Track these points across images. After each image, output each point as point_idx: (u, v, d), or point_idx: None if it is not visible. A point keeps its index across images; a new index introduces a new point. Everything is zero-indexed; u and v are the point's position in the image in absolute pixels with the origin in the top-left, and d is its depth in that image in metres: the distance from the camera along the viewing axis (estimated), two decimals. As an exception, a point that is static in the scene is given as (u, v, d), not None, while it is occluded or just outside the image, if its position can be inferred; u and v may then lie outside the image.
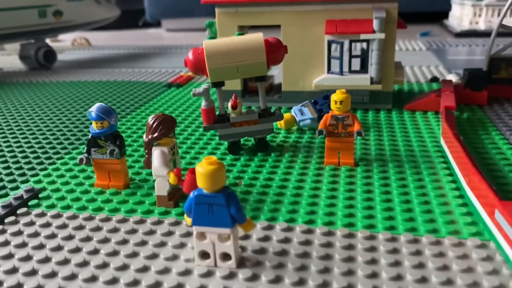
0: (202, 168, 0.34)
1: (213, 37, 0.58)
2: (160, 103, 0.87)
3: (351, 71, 0.75)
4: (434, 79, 0.93)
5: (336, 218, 0.44)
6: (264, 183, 0.52)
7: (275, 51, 0.57)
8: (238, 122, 0.59)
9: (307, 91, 0.78)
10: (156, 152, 0.46)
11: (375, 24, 0.70)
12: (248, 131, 0.59)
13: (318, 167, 0.55)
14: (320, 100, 0.69)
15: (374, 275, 0.36)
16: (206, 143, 0.65)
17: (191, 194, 0.36)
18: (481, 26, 1.53)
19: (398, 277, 0.35)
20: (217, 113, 0.60)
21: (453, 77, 0.91)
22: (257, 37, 0.55)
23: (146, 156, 0.47)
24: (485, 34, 1.50)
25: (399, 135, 0.65)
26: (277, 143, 0.64)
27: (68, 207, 0.48)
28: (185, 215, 0.38)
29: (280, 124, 0.68)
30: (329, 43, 0.73)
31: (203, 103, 0.58)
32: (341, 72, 0.74)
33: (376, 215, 0.44)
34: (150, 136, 0.46)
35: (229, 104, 0.58)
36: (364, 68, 0.75)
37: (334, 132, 0.54)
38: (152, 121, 0.46)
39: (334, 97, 0.53)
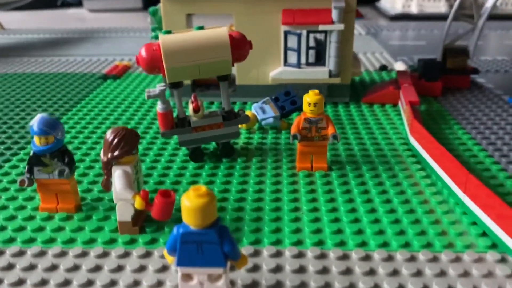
0: (190, 202, 0.29)
1: (168, 31, 0.51)
2: (98, 99, 0.78)
3: (308, 64, 0.71)
4: (383, 68, 0.92)
5: (324, 235, 0.40)
6: (237, 196, 0.47)
7: (240, 47, 0.51)
8: (200, 126, 0.53)
9: (264, 85, 0.73)
10: (117, 173, 0.39)
11: (334, 15, 0.66)
12: (212, 136, 0.54)
13: (291, 173, 0.51)
14: (281, 96, 0.65)
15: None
16: (162, 148, 0.58)
17: (175, 230, 0.31)
18: (414, 10, 1.57)
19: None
20: (174, 115, 0.53)
21: (401, 66, 0.92)
22: (221, 32, 0.49)
23: (105, 176, 0.40)
24: (417, 17, 1.54)
25: (363, 132, 0.62)
26: (240, 145, 0.59)
27: (10, 241, 0.40)
28: (164, 251, 0.33)
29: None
30: (286, 34, 0.69)
31: (159, 106, 0.52)
32: (298, 65, 0.70)
33: (365, 229, 0.41)
34: (109, 155, 0.39)
35: (190, 107, 0.52)
36: (320, 60, 0.72)
37: (308, 136, 0.51)
38: (112, 137, 0.39)
39: (307, 99, 0.49)
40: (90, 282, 0.35)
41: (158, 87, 0.52)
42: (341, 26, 0.67)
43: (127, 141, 0.39)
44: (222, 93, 0.53)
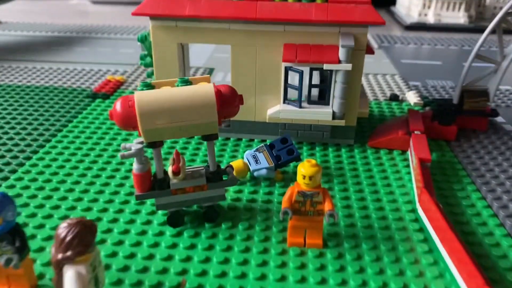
0: None
1: (147, 84, 0.45)
2: (82, 126, 0.72)
3: (310, 102, 0.65)
4: (394, 98, 0.85)
5: None
6: (216, 282, 0.41)
7: (229, 104, 0.45)
8: (181, 189, 0.47)
9: (260, 122, 0.67)
10: (69, 274, 0.33)
11: (341, 54, 0.59)
12: (194, 199, 0.48)
13: (281, 249, 0.45)
14: (277, 143, 0.58)
15: None
16: (135, 211, 0.52)
17: None
18: (430, 19, 1.48)
19: None
20: (153, 173, 0.48)
21: (413, 96, 0.84)
22: (207, 90, 0.43)
23: (56, 276, 0.34)
24: (434, 28, 1.46)
25: (366, 190, 0.56)
26: (226, 202, 0.53)
27: None
28: None
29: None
30: (286, 70, 0.62)
31: (136, 166, 0.46)
32: (299, 104, 0.64)
33: None
34: (61, 255, 0.33)
35: (170, 169, 0.46)
36: (324, 98, 0.65)
37: (301, 210, 0.45)
38: (64, 233, 0.33)
39: (302, 170, 0.43)
40: None
41: (134, 144, 0.46)
42: (348, 66, 0.60)
43: (82, 240, 0.33)
44: (208, 152, 0.47)
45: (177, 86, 0.45)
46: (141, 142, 0.46)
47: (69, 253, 0.33)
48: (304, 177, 0.43)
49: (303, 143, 0.67)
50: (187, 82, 0.45)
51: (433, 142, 0.69)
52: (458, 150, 0.67)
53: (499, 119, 0.78)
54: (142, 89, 0.44)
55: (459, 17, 1.46)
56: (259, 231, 0.48)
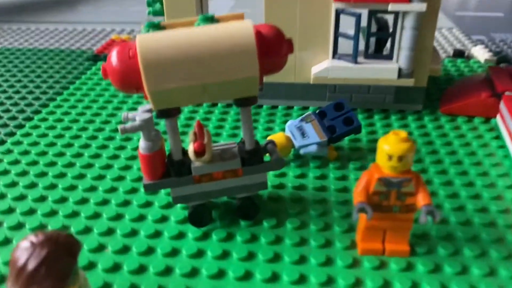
0: None
1: (154, 24, 0.31)
2: (81, 93, 0.59)
3: (368, 57, 0.50)
4: (459, 54, 0.69)
5: None
6: (262, 313, 0.28)
7: (273, 53, 0.31)
8: (206, 174, 0.34)
9: (302, 84, 0.52)
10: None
11: (415, -12, 0.44)
12: (224, 189, 0.35)
13: (351, 260, 0.32)
14: (330, 110, 0.44)
15: None
16: (145, 204, 0.39)
17: None
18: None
19: None
20: (167, 154, 0.34)
21: (482, 52, 0.69)
22: (244, 31, 0.29)
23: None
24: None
25: (451, 170, 0.42)
26: (268, 191, 0.39)
27: None
28: None
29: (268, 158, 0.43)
30: (338, 14, 0.48)
31: (142, 144, 0.32)
32: (353, 59, 0.49)
33: None
34: (18, 295, 0.20)
35: (191, 147, 0.33)
36: (381, 51, 0.51)
37: (382, 204, 0.31)
38: (24, 258, 0.20)
39: (385, 148, 0.29)
40: None
41: (139, 113, 0.32)
42: (422, 6, 0.45)
43: (53, 268, 0.20)
44: (244, 122, 0.33)
45: (197, 25, 0.31)
46: (149, 110, 0.33)
47: (31, 291, 0.20)
48: (390, 157, 0.29)
49: (357, 110, 0.53)
50: (213, 20, 0.31)
51: None
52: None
53: None
54: (148, 31, 0.30)
55: None
56: (315, 232, 0.35)
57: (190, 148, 0.32)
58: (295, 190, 0.40)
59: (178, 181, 0.33)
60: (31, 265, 0.20)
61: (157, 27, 0.31)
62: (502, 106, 0.48)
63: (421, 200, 0.30)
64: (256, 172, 0.34)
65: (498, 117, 0.49)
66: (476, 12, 0.96)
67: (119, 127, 0.31)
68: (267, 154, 0.36)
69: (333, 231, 0.35)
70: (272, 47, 0.31)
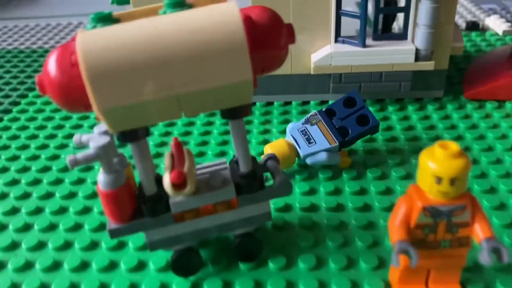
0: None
1: (103, 15, 0.22)
2: (40, 102, 0.50)
3: (378, 38, 0.42)
4: (473, 26, 0.61)
5: None
6: None
7: (269, 44, 0.23)
8: (190, 210, 0.26)
9: (300, 75, 0.44)
10: None
11: (434, -50, 0.36)
12: (216, 226, 0.27)
13: (384, 308, 0.25)
14: (338, 107, 0.36)
15: None
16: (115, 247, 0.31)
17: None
18: None
19: None
20: (138, 185, 0.26)
21: (498, 22, 0.61)
22: (227, 15, 0.20)
23: None
24: None
25: (492, 172, 0.34)
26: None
27: None
28: None
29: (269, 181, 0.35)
30: (340, -12, 0.39)
31: (101, 178, 0.24)
32: (362, 41, 0.41)
33: None
34: None
35: (166, 178, 0.24)
36: (389, 29, 0.43)
37: (428, 240, 0.23)
38: None
39: (431, 167, 0.21)
40: None
41: (95, 135, 0.24)
42: (444, -28, 0.37)
43: None
44: (235, 140, 0.25)
45: (163, 14, 0.22)
46: (107, 132, 0.24)
47: None
48: (439, 180, 0.21)
49: (366, 101, 0.45)
50: (183, 6, 0.22)
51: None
52: None
53: None
54: (94, 27, 0.22)
55: None
56: (336, 272, 0.27)
57: (166, 180, 0.24)
58: (304, 212, 0.32)
59: (154, 221, 0.25)
60: None
61: (109, 19, 0.22)
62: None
63: (480, 232, 0.22)
64: (256, 202, 0.26)
65: (537, 101, 0.41)
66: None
67: (68, 159, 0.23)
68: (268, 174, 0.28)
69: (359, 269, 0.27)
70: (268, 36, 0.22)
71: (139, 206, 0.25)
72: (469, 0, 0.74)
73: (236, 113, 0.24)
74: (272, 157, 0.28)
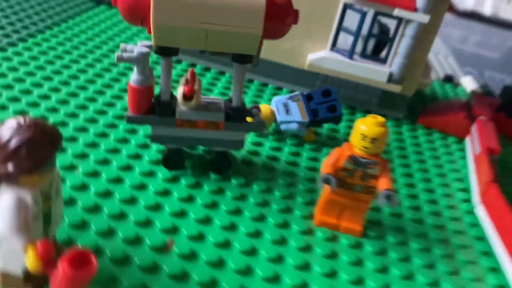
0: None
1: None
2: (79, 29, 0.59)
3: (364, 56, 0.52)
4: (449, 79, 0.72)
5: None
6: (214, 253, 0.30)
7: (279, 18, 0.32)
8: (189, 120, 0.35)
9: (296, 68, 0.54)
10: (6, 201, 0.21)
11: (421, 0, 0.47)
12: (203, 138, 0.36)
13: (306, 227, 0.34)
14: (317, 95, 0.46)
15: None
16: (122, 139, 0.40)
17: None
18: (487, 10, 1.33)
19: None
20: (156, 95, 0.35)
21: (471, 83, 0.72)
22: (255, -12, 0.30)
23: (-14, 197, 0.23)
24: (489, 20, 1.31)
25: (417, 176, 0.44)
26: (241, 154, 0.41)
27: None
28: None
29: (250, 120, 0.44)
30: (345, 8, 0.49)
31: (134, 77, 0.33)
32: (350, 54, 0.51)
33: None
34: (-4, 168, 0.21)
35: (180, 89, 0.34)
36: (378, 54, 0.53)
37: (346, 181, 0.33)
38: (9, 134, 0.21)
39: (362, 128, 0.31)
40: None
41: (138, 47, 0.33)
42: (425, 18, 0.47)
43: (34, 151, 0.21)
44: (235, 80, 0.35)
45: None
46: (149, 47, 0.34)
47: (10, 166, 0.21)
48: (364, 137, 0.31)
49: (343, 106, 0.55)
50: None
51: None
52: (525, 152, 0.55)
53: None
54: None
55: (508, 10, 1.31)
56: (279, 198, 0.36)
57: (180, 91, 0.34)
58: (268, 159, 0.41)
59: (161, 120, 0.34)
60: (13, 144, 0.21)
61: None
62: (474, 128, 0.50)
63: (383, 184, 0.32)
64: (237, 130, 0.36)
65: (468, 138, 0.51)
66: (474, 48, 1.00)
67: (116, 54, 0.32)
68: (251, 117, 0.37)
69: (295, 201, 0.36)
70: (280, 12, 0.32)
71: (153, 107, 0.35)
72: (456, 61, 0.85)
73: (242, 59, 0.33)
74: (256, 107, 0.38)
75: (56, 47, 0.52)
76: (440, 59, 0.84)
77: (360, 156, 0.32)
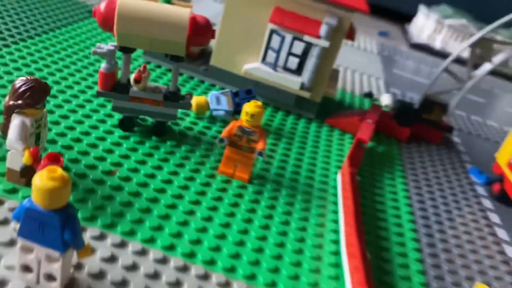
0: (41, 181, 0.28)
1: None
2: (74, 33, 0.76)
3: (285, 69, 0.69)
4: (369, 95, 0.90)
5: (199, 247, 0.40)
6: (142, 179, 0.46)
7: (201, 34, 0.50)
8: (138, 97, 0.52)
9: (236, 74, 0.71)
10: (15, 122, 0.38)
11: (322, 30, 0.64)
12: (148, 111, 0.53)
13: (211, 173, 0.51)
14: (242, 93, 0.63)
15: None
16: (100, 105, 0.57)
17: (24, 201, 0.30)
18: (437, 44, 1.52)
19: None
20: (118, 78, 0.52)
21: (387, 98, 0.89)
22: (183, 13, 0.48)
23: (4, 121, 0.39)
24: (438, 53, 1.50)
25: (307, 155, 0.61)
26: (179, 128, 0.58)
27: None
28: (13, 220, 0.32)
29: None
30: (271, 32, 0.67)
31: (103, 65, 0.50)
32: (274, 67, 0.68)
33: (242, 255, 0.41)
34: (12, 102, 0.38)
35: (133, 76, 0.51)
36: (299, 71, 0.70)
37: (237, 143, 0.50)
38: (19, 84, 0.38)
39: (246, 108, 0.48)
40: None
41: (108, 46, 0.50)
42: (326, 43, 0.64)
43: (33, 94, 0.38)
44: (173, 73, 0.52)
45: (160, 3, 0.49)
46: (114, 46, 0.51)
47: (19, 101, 0.37)
48: (247, 114, 0.48)
49: (268, 106, 0.72)
50: (169, 2, 0.49)
51: (386, 139, 0.74)
52: (405, 150, 0.72)
53: (457, 140, 0.84)
54: (129, -3, 0.49)
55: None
56: (198, 156, 0.53)
57: (132, 76, 0.51)
58: (199, 134, 0.58)
59: (119, 96, 0.51)
60: (22, 89, 0.37)
61: (135, -4, 0.49)
62: (360, 126, 0.68)
63: (259, 145, 0.49)
64: (171, 107, 0.53)
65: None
66: (409, 74, 1.18)
67: (92, 50, 0.49)
68: (183, 100, 0.54)
69: (209, 159, 0.53)
70: (200, 29, 0.49)
71: (115, 87, 0.51)
72: (385, 83, 1.03)
73: (175, 59, 0.50)
74: (189, 94, 0.55)
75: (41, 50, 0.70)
76: (371, 80, 1.02)
77: (245, 127, 0.49)
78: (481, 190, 0.68)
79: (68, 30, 0.77)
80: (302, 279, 0.40)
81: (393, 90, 1.00)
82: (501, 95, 1.32)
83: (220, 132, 0.60)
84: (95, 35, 0.78)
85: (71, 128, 0.51)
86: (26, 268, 0.32)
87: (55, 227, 0.30)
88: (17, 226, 0.31)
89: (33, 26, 0.74)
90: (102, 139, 0.51)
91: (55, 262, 0.31)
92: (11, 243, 0.35)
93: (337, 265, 0.43)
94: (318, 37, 0.65)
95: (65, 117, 0.52)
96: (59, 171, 0.29)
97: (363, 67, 1.11)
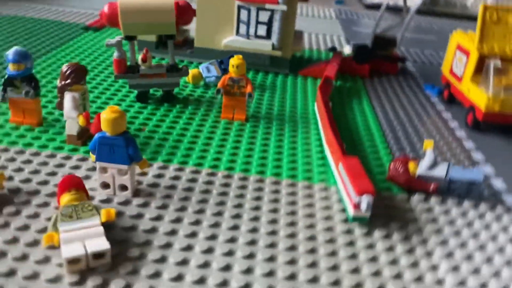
0: (106, 115, 0.42)
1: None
2: (76, 46, 0.90)
3: (256, 36, 0.83)
4: (333, 49, 1.04)
5: (220, 162, 0.54)
6: (165, 130, 0.60)
7: (184, 14, 0.64)
8: (147, 74, 0.66)
9: (218, 50, 0.85)
10: (67, 97, 0.52)
11: (280, -3, 0.78)
12: (156, 83, 0.67)
13: (215, 120, 0.65)
14: (225, 60, 0.77)
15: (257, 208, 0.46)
16: (117, 90, 0.71)
17: (96, 135, 0.44)
18: (390, 0, 1.67)
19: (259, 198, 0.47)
20: (128, 63, 0.66)
21: (348, 49, 1.04)
22: (168, 0, 0.62)
23: (59, 99, 0.53)
24: (390, 8, 1.65)
25: (288, 98, 0.76)
26: (183, 96, 0.72)
27: (-17, 140, 0.53)
28: (90, 153, 0.46)
29: (188, 79, 0.76)
30: (239, 8, 0.81)
31: (116, 54, 0.64)
32: (247, 36, 0.82)
33: (252, 162, 0.55)
34: (62, 82, 0.52)
35: (140, 57, 0.65)
36: (269, 35, 0.84)
37: (231, 91, 0.64)
38: (66, 69, 0.52)
39: (231, 61, 0.62)
40: (37, 171, 0.48)
41: (115, 38, 0.64)
42: (284, 7, 0.79)
43: (76, 74, 0.52)
44: (169, 49, 0.66)
45: (149, -3, 0.63)
46: (121, 38, 0.65)
47: (68, 81, 0.51)
48: (233, 66, 0.62)
49: (250, 70, 0.86)
50: (156, -5, 0.64)
51: (352, 78, 0.88)
52: (369, 84, 0.86)
53: (412, 69, 0.98)
54: (124, -3, 0.63)
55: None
56: (202, 111, 0.67)
57: (139, 57, 0.64)
58: (199, 97, 0.72)
59: (132, 76, 0.65)
60: (67, 72, 0.51)
61: (129, -4, 0.63)
62: (326, 68, 0.82)
63: (247, 89, 0.63)
64: (173, 76, 0.67)
65: (328, 77, 0.83)
66: (366, 29, 1.33)
67: (106, 41, 0.63)
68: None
69: (212, 111, 0.67)
70: (183, 10, 0.63)
71: (127, 69, 0.65)
72: (346, 38, 1.17)
73: (169, 37, 0.64)
74: (185, 66, 0.69)
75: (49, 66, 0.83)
76: (334, 38, 1.16)
77: (234, 77, 0.63)
78: (436, 100, 0.83)
79: (67, 46, 0.90)
80: (300, 169, 0.54)
81: (353, 43, 1.14)
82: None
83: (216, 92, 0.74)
84: (91, 47, 0.92)
85: (106, 103, 0.65)
86: (105, 185, 0.46)
87: (121, 146, 0.43)
88: (93, 157, 0.45)
89: (32, 52, 0.87)
90: (126, 111, 0.65)
91: (124, 175, 0.45)
92: (87, 177, 0.48)
93: (323, 157, 0.57)
94: (277, 3, 0.79)
95: (97, 97, 0.66)
96: (116, 107, 0.43)
97: (325, 29, 1.25)
